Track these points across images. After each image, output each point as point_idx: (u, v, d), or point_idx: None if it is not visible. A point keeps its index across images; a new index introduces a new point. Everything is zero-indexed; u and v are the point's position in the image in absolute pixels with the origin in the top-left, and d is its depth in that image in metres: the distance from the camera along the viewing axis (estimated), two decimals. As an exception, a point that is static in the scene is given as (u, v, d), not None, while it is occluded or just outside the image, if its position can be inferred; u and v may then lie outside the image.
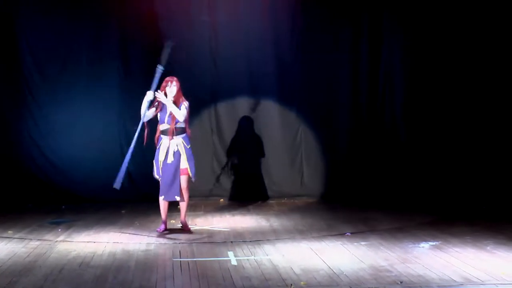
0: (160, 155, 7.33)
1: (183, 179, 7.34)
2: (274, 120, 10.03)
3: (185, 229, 7.51)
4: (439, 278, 5.33)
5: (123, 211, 8.94)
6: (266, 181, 10.02)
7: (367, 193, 9.83)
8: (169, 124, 7.32)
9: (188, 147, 7.38)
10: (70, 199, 9.57)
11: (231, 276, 5.48)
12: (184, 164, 7.32)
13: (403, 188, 9.79)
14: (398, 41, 9.96)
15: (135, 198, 9.71)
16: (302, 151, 10.06)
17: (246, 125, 10.00)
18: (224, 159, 10.01)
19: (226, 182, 10.03)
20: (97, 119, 9.70)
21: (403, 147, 9.95)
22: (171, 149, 7.29)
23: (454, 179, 9.73)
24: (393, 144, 9.97)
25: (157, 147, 7.41)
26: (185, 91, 7.55)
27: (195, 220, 8.26)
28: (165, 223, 7.51)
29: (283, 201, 9.81)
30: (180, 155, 7.30)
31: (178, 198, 7.33)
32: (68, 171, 9.72)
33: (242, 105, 9.94)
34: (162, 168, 7.30)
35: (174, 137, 7.33)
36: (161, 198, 7.37)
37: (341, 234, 7.24)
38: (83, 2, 9.73)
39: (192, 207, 8.84)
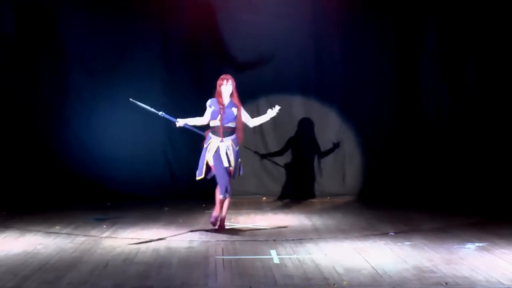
0: (207, 156, 7.21)
1: None
2: (315, 119, 9.99)
3: (220, 228, 7.37)
4: (486, 280, 5.23)
5: (166, 209, 9.02)
6: (309, 180, 9.99)
7: (410, 192, 9.72)
8: (223, 123, 7.18)
9: (236, 149, 7.27)
10: (115, 196, 9.70)
11: (273, 275, 5.47)
12: (230, 164, 7.21)
13: (448, 188, 9.66)
14: (442, 42, 9.83)
15: (177, 195, 9.79)
16: (344, 150, 9.99)
17: (287, 123, 9.98)
18: (266, 158, 10.01)
19: (268, 181, 10.03)
20: (141, 117, 9.77)
21: (448, 147, 9.82)
22: (222, 152, 7.17)
23: (501, 179, 9.55)
24: (437, 144, 9.84)
25: (204, 147, 7.28)
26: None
27: (238, 218, 8.28)
28: (217, 217, 7.36)
29: (325, 200, 9.78)
30: (228, 157, 7.20)
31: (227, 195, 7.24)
32: (112, 169, 9.84)
33: (283, 104, 9.90)
34: (215, 168, 7.17)
35: (224, 138, 7.21)
36: (221, 196, 7.23)
37: (384, 234, 7.17)
38: (127, 4, 9.85)
39: (235, 205, 8.86)
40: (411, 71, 9.94)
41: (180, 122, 7.44)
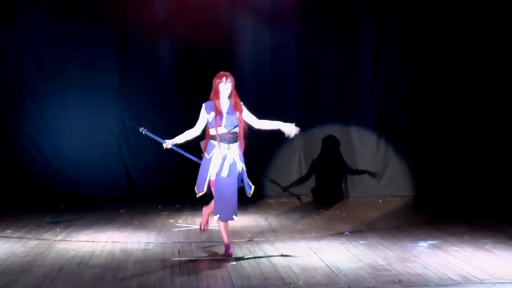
0: (212, 166, 6.06)
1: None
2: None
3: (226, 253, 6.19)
4: (438, 277, 5.34)
5: (121, 210, 8.94)
6: (264, 180, 10.01)
7: (366, 192, 9.86)
8: (227, 129, 6.06)
9: (243, 157, 6.17)
10: (69, 199, 9.56)
11: (230, 276, 5.48)
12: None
13: (404, 187, 9.84)
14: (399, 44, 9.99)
15: (133, 197, 9.71)
16: (300, 152, 10.02)
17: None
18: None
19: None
20: (96, 119, 9.69)
21: (403, 146, 9.98)
22: (227, 161, 6.03)
23: (454, 178, 9.77)
24: (394, 143, 9.99)
25: (207, 157, 6.09)
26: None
27: (195, 219, 8.26)
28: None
29: (282, 200, 9.82)
30: (236, 167, 6.07)
31: (236, 218, 6.13)
32: (67, 171, 9.72)
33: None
34: (216, 182, 6.06)
35: (230, 145, 6.08)
36: (215, 218, 6.14)
37: (340, 233, 7.24)
38: (82, 3, 9.71)
39: (191, 207, 8.85)
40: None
41: (168, 143, 6.18)
